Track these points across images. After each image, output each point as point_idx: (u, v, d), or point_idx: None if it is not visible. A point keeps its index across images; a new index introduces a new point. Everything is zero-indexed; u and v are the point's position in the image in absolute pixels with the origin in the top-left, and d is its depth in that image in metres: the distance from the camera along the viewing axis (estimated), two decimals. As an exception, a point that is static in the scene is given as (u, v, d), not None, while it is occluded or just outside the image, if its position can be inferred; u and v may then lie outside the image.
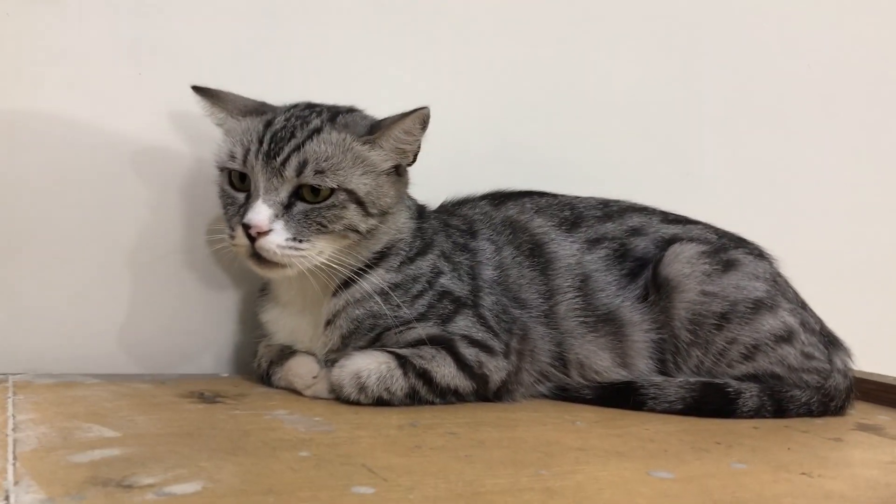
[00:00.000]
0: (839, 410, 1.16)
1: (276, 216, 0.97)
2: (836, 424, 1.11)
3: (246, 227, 0.96)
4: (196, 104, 1.06)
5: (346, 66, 1.27)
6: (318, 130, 1.00)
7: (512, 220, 1.19)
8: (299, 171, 0.97)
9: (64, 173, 1.12)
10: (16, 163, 1.10)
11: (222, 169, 1.03)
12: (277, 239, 0.96)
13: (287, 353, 1.08)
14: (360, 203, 1.00)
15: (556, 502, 0.69)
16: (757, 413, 1.10)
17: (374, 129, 1.01)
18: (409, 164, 1.06)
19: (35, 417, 0.83)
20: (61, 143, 1.11)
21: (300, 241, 0.97)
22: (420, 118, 1.01)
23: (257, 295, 1.14)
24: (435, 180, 1.23)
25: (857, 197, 1.69)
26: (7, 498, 0.59)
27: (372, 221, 1.02)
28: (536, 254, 1.16)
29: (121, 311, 1.17)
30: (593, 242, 1.19)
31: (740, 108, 1.60)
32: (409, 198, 1.13)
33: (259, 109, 1.06)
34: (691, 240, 1.20)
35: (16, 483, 0.63)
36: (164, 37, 1.16)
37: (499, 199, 1.23)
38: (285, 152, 0.97)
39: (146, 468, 0.68)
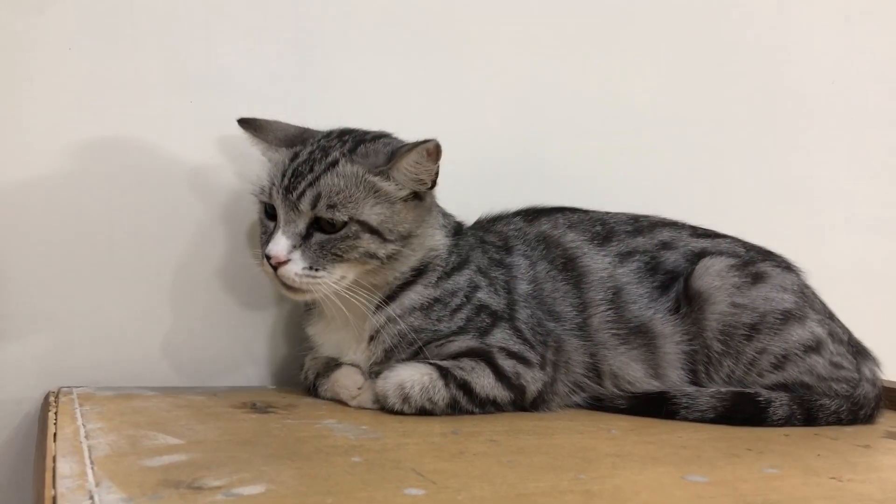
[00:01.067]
0: (868, 419, 1.19)
1: (295, 247, 1.03)
2: (865, 432, 1.14)
3: (267, 257, 1.02)
4: (242, 135, 1.13)
5: (379, 89, 1.32)
6: (333, 164, 1.05)
7: (545, 236, 1.24)
8: (313, 205, 1.02)
9: (122, 196, 1.18)
10: (79, 188, 1.16)
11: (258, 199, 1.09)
12: (295, 268, 1.03)
13: (332, 365, 1.13)
14: (374, 232, 1.05)
15: (596, 503, 0.73)
16: (787, 421, 1.13)
17: (390, 160, 1.05)
18: (429, 189, 1.10)
19: (103, 427, 0.88)
20: (120, 168, 1.18)
21: (317, 270, 1.03)
22: (425, 151, 1.04)
23: (303, 309, 1.19)
24: (467, 197, 1.29)
25: (882, 210, 1.71)
26: (91, 498, 0.64)
27: (392, 247, 1.06)
28: (569, 268, 1.21)
29: (172, 327, 1.22)
30: (625, 256, 1.23)
31: (766, 123, 1.63)
32: (445, 215, 1.18)
33: (298, 138, 1.11)
34: (721, 253, 1.24)
35: (97, 485, 0.68)
36: (213, 66, 1.22)
37: (532, 215, 1.27)
38: (301, 187, 1.03)
39: (212, 472, 0.73)
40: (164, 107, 1.19)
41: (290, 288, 1.05)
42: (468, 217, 1.27)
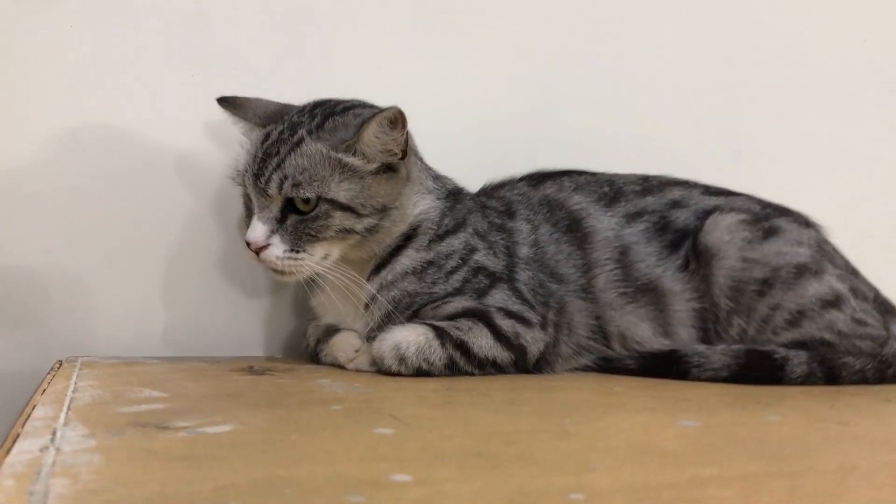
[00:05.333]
0: (896, 378, 1.13)
1: (272, 231, 1.02)
2: (893, 390, 1.08)
3: (247, 244, 1.03)
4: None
5: (383, 59, 1.32)
6: (298, 144, 1.02)
7: (549, 199, 1.21)
8: (280, 187, 1.01)
9: (130, 174, 1.20)
10: (85, 167, 1.18)
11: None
12: (276, 252, 1.02)
13: (332, 330, 1.13)
14: (345, 209, 1.03)
15: (570, 440, 0.71)
16: (806, 380, 1.08)
17: (355, 133, 1.02)
18: (401, 159, 1.06)
19: (94, 384, 0.89)
20: (124, 146, 1.19)
21: (297, 252, 1.02)
22: (386, 120, 1.01)
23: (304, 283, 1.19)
24: (479, 164, 1.28)
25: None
26: (54, 433, 0.65)
27: (369, 220, 1.04)
28: (574, 229, 1.18)
29: (183, 302, 1.23)
30: (633, 216, 1.19)
31: (792, 84, 1.57)
32: (437, 178, 1.16)
33: (277, 115, 1.09)
34: (732, 209, 1.19)
35: (65, 425, 0.68)
36: (213, 42, 1.23)
37: (537, 179, 1.25)
38: (268, 172, 1.02)
39: (184, 417, 0.73)
40: (164, 83, 1.21)
41: (276, 271, 1.05)
42: (474, 185, 1.25)
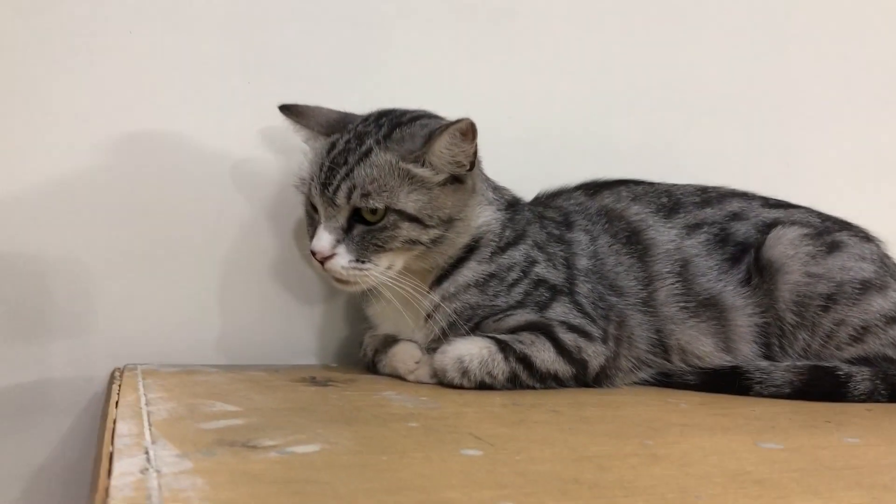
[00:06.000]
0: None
1: (338, 241, 1.02)
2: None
3: (312, 254, 1.02)
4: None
5: (438, 69, 1.31)
6: (367, 154, 1.01)
7: (608, 209, 1.20)
8: (349, 197, 1.00)
9: (184, 182, 1.19)
10: (141, 175, 1.17)
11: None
12: (341, 262, 1.01)
13: (391, 341, 1.12)
14: (413, 220, 1.02)
15: (661, 465, 0.70)
16: (870, 397, 1.07)
17: (423, 145, 1.01)
18: (469, 171, 1.05)
19: (163, 396, 0.89)
20: (180, 154, 1.19)
21: (362, 262, 1.02)
22: (458, 131, 1.00)
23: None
24: (531, 174, 1.27)
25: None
26: (147, 453, 0.64)
27: (435, 231, 1.03)
28: (633, 241, 1.17)
29: (236, 310, 1.23)
30: (692, 228, 1.18)
31: (844, 93, 1.55)
32: (497, 189, 1.16)
33: (340, 123, 1.09)
34: (794, 223, 1.18)
35: (153, 442, 0.68)
36: (269, 48, 1.22)
37: (594, 188, 1.24)
38: (336, 181, 1.01)
39: (267, 434, 0.73)
40: (221, 89, 1.20)
41: (339, 280, 1.04)
42: (527, 194, 1.24)
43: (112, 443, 0.67)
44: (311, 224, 1.07)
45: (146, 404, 0.84)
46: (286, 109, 1.11)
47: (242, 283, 1.23)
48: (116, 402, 0.85)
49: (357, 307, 1.24)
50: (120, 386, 0.94)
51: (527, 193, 1.24)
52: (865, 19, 1.56)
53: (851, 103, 1.56)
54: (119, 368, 1.08)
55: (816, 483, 0.66)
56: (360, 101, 1.14)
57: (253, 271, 1.23)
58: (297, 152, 1.15)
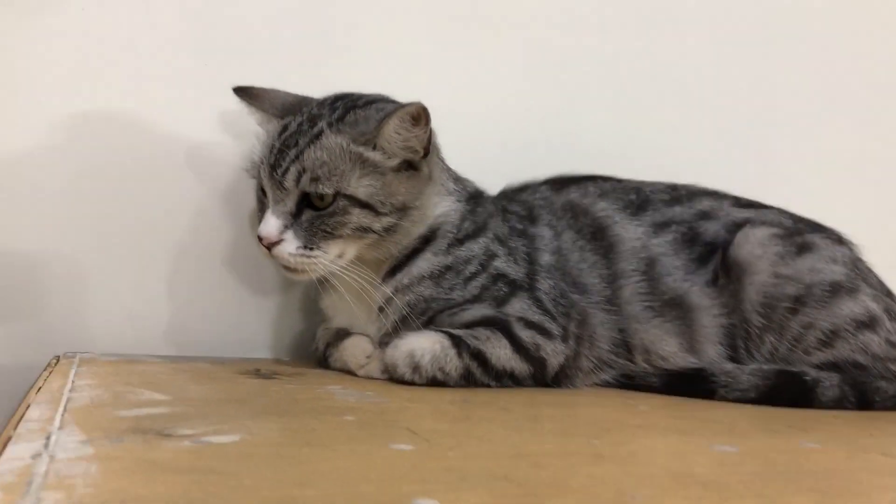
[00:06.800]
0: (934, 405, 1.08)
1: (286, 226, 0.97)
2: (929, 418, 1.03)
3: (259, 239, 0.97)
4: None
5: (403, 56, 1.27)
6: (317, 136, 0.97)
7: (573, 204, 1.16)
8: (297, 181, 0.96)
9: (136, 166, 1.15)
10: (89, 156, 1.13)
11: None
12: (289, 248, 0.97)
13: (343, 334, 1.08)
14: (364, 206, 0.98)
15: (603, 464, 0.66)
16: (838, 404, 1.03)
17: (376, 127, 0.97)
18: (423, 157, 1.02)
19: (92, 383, 0.84)
20: (132, 135, 1.15)
21: (311, 249, 0.97)
22: (408, 115, 0.96)
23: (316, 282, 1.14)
24: (501, 168, 1.23)
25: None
26: (48, 437, 0.60)
27: (388, 219, 0.99)
28: (598, 237, 1.13)
29: (186, 300, 1.19)
30: (660, 226, 1.14)
31: (823, 97, 1.52)
32: (459, 180, 1.11)
33: (295, 106, 1.04)
34: (764, 223, 1.14)
35: (60, 428, 0.63)
36: (229, 30, 1.18)
37: (560, 183, 1.20)
38: (285, 164, 0.97)
39: (188, 423, 0.68)
40: (176, 71, 1.16)
41: (288, 269, 1.00)
42: (495, 188, 1.20)
43: (15, 428, 0.63)
44: (261, 209, 1.03)
45: (70, 390, 0.79)
46: (241, 91, 1.07)
47: (195, 272, 1.19)
48: (39, 389, 0.80)
49: (313, 301, 1.19)
50: (50, 373, 0.90)
51: (495, 187, 1.20)
52: (847, 25, 1.54)
53: (830, 107, 1.53)
54: (58, 356, 1.04)
55: (764, 487, 0.62)
56: (325, 88, 1.09)
57: (207, 260, 1.19)
58: (255, 136, 1.11)
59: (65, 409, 0.70)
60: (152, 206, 1.16)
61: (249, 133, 1.13)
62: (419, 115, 0.97)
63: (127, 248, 1.15)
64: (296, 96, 1.07)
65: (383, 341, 1.03)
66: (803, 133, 1.51)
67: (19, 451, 0.56)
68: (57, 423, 0.65)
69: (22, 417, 0.67)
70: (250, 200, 1.17)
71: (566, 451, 0.69)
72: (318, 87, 1.10)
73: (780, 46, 1.49)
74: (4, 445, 0.57)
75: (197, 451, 0.60)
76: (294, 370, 1.05)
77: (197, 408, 0.77)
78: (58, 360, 0.99)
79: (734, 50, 1.47)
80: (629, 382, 1.09)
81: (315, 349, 1.11)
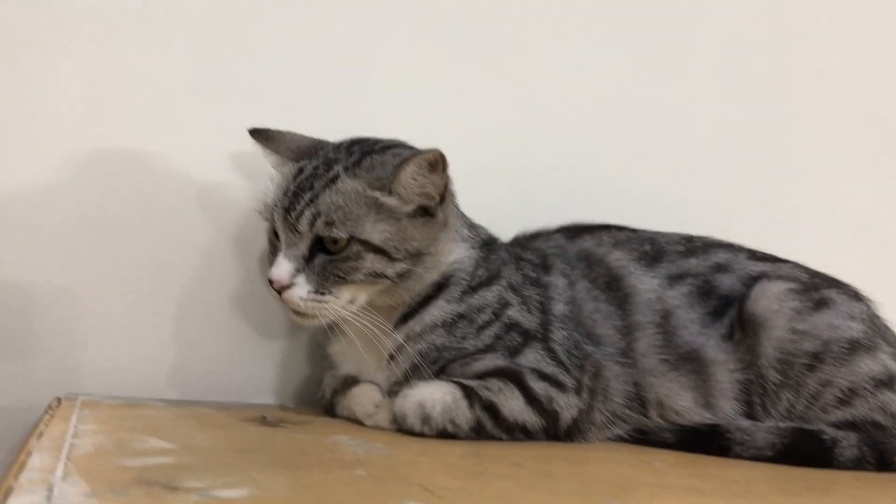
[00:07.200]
0: (951, 467, 1.05)
1: (298, 270, 0.96)
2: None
3: (270, 282, 0.96)
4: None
5: (418, 99, 1.27)
6: (333, 180, 0.97)
7: (588, 253, 1.15)
8: (311, 224, 0.95)
9: (138, 205, 1.14)
10: (93, 193, 1.12)
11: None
12: (300, 292, 0.96)
13: (351, 382, 1.06)
14: (378, 251, 0.96)
15: (624, 529, 0.63)
16: (857, 465, 1.00)
17: (392, 173, 0.97)
18: (439, 204, 1.01)
19: (96, 429, 0.82)
20: (136, 173, 1.13)
21: (322, 294, 0.96)
22: (425, 161, 0.96)
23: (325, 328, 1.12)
24: (508, 213, 1.22)
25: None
26: (51, 489, 0.58)
27: (402, 265, 0.98)
28: (613, 288, 1.11)
29: (189, 343, 1.16)
30: (675, 278, 1.13)
31: (837, 149, 1.51)
32: (472, 227, 1.10)
33: (311, 150, 1.04)
34: (780, 277, 1.13)
35: (63, 479, 0.61)
36: (243, 69, 1.18)
37: (574, 231, 1.19)
38: (299, 207, 0.96)
39: (195, 475, 0.66)
40: (190, 109, 1.15)
41: (297, 313, 0.98)
42: (504, 233, 1.19)
43: (16, 477, 0.61)
44: (273, 252, 1.01)
45: (73, 437, 0.77)
46: (256, 133, 1.07)
47: (201, 314, 1.17)
48: (40, 434, 0.78)
49: (319, 346, 1.17)
50: (51, 417, 0.88)
51: (503, 233, 1.19)
52: (863, 76, 1.54)
53: (844, 161, 1.52)
54: (59, 398, 1.02)
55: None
56: (338, 130, 1.09)
57: (214, 301, 1.17)
58: (267, 178, 1.10)
59: (67, 458, 0.68)
60: (162, 246, 1.14)
61: (261, 174, 1.12)
62: (436, 162, 0.96)
63: (131, 287, 1.14)
64: (311, 139, 1.07)
65: (393, 390, 1.00)
66: (816, 185, 1.50)
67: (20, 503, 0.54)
68: (59, 472, 0.63)
69: (24, 465, 0.64)
70: (260, 242, 1.16)
71: (585, 513, 0.67)
72: (326, 127, 1.10)
73: (794, 97, 1.49)
74: (5, 497, 0.55)
75: (205, 508, 0.58)
76: (300, 418, 1.03)
77: (203, 458, 0.75)
78: (59, 403, 0.97)
79: (750, 97, 1.46)
80: (643, 437, 1.06)
81: (321, 396, 1.08)
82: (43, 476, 0.62)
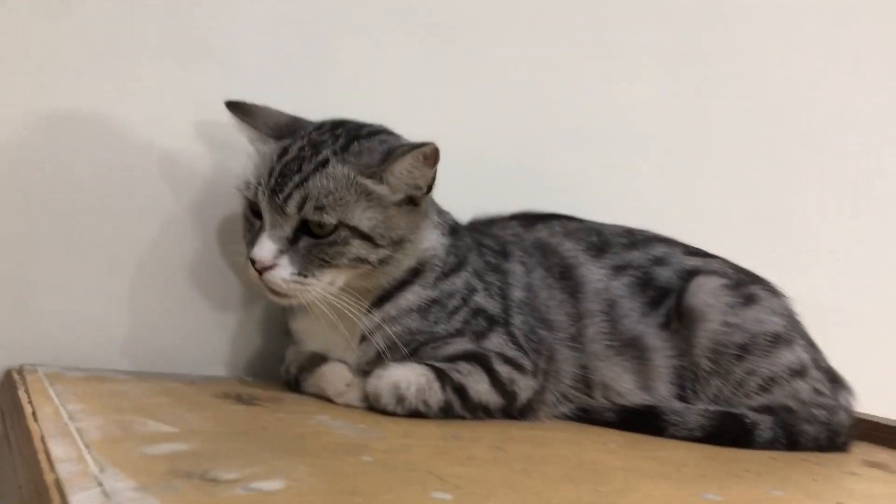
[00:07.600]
0: (843, 447, 1.19)
1: (282, 251, 0.97)
2: (844, 460, 1.15)
3: (252, 262, 0.97)
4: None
5: (381, 78, 1.28)
6: (323, 164, 0.98)
7: (543, 243, 1.21)
8: (300, 208, 0.96)
9: (100, 173, 1.10)
10: (53, 158, 1.08)
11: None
12: (283, 274, 0.97)
13: (317, 359, 1.07)
14: (365, 237, 0.99)
15: (628, 517, 0.70)
16: (771, 445, 1.12)
17: (383, 161, 0.99)
18: (425, 194, 1.04)
19: (84, 409, 0.81)
20: (100, 142, 1.10)
21: (305, 276, 0.98)
22: (421, 155, 0.99)
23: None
24: (453, 199, 1.26)
25: (861, 247, 1.74)
26: (100, 485, 0.58)
27: (384, 252, 1.01)
28: (566, 276, 1.18)
29: (140, 311, 1.14)
30: (619, 269, 1.21)
31: (754, 153, 1.64)
32: (441, 213, 1.14)
33: (289, 128, 1.04)
34: (713, 272, 1.23)
35: (101, 471, 0.61)
36: (211, 36, 1.15)
37: (528, 220, 1.24)
38: (288, 189, 0.96)
39: (220, 464, 0.67)
40: (156, 77, 1.12)
41: (276, 293, 0.99)
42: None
43: (53, 469, 0.60)
44: (251, 230, 1.01)
45: (69, 419, 0.76)
46: (233, 106, 1.05)
47: (155, 283, 1.15)
48: (34, 414, 0.76)
49: (276, 319, 1.18)
50: (28, 392, 0.85)
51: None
52: (781, 73, 1.65)
53: (758, 157, 1.65)
54: (15, 369, 0.98)
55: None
56: (306, 103, 1.09)
57: (169, 271, 1.15)
58: (233, 150, 1.10)
59: (86, 446, 0.68)
60: (119, 213, 1.11)
61: (226, 145, 1.11)
62: (431, 156, 0.99)
63: (87, 254, 1.10)
64: (289, 116, 1.06)
65: (364, 369, 1.03)
66: (731, 180, 1.62)
67: (83, 501, 0.54)
68: (91, 463, 0.63)
69: (49, 455, 0.64)
70: (221, 213, 1.16)
71: (583, 501, 0.73)
72: (300, 104, 1.09)
73: (717, 89, 1.60)
74: (61, 494, 0.55)
75: (258, 502, 0.60)
76: (269, 394, 1.04)
77: (212, 443, 0.75)
78: (21, 375, 0.94)
79: (677, 91, 1.56)
80: (585, 416, 1.14)
81: (285, 371, 1.10)
82: (78, 468, 0.61)
